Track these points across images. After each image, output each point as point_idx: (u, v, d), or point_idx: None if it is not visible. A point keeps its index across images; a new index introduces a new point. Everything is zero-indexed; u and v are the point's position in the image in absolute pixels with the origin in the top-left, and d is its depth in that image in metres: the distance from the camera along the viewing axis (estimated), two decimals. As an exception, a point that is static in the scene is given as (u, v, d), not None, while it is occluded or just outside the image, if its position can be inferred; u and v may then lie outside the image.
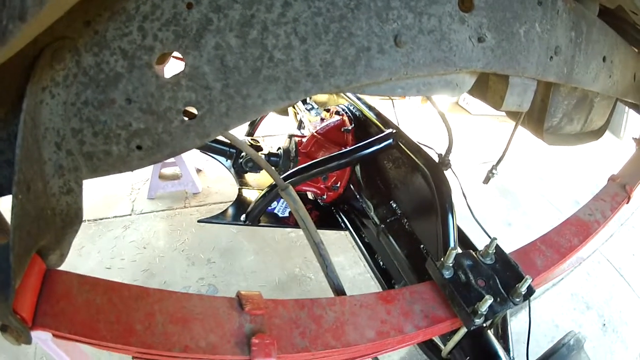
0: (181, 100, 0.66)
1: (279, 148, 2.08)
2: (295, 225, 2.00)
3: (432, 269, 1.02)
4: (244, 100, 0.69)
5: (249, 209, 1.83)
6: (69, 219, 0.65)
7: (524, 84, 1.02)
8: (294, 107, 3.01)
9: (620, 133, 5.46)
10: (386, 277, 1.67)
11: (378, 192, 1.78)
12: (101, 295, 0.66)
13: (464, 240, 1.51)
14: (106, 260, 2.49)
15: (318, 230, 1.16)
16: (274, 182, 1.65)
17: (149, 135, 0.66)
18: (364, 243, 1.90)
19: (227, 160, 2.18)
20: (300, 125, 2.84)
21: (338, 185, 1.97)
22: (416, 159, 1.52)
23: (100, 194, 3.07)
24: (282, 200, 2.09)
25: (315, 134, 1.99)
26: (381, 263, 1.80)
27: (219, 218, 1.94)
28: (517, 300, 1.02)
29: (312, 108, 2.76)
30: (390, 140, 1.61)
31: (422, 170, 1.48)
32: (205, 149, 2.06)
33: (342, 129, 1.96)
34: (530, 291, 1.02)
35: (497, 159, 1.63)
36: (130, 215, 2.95)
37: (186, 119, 0.68)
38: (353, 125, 1.96)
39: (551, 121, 1.58)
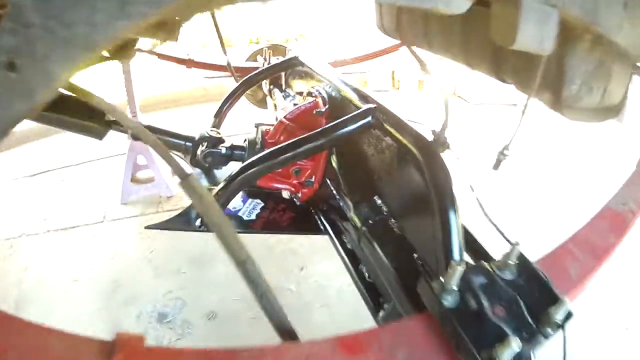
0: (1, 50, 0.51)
1: (245, 140, 1.75)
2: (265, 229, 1.67)
3: (426, 294, 0.68)
4: (68, 31, 0.51)
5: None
6: None
7: (542, 10, 0.72)
8: (272, 98, 2.69)
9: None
10: (373, 294, 1.33)
11: (358, 186, 1.45)
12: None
13: (473, 247, 1.15)
14: (75, 271, 2.37)
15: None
16: (234, 175, 1.31)
17: None
18: (346, 250, 1.56)
19: (185, 157, 1.84)
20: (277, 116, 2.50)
21: (312, 179, 1.63)
22: (402, 139, 1.18)
23: (73, 200, 2.98)
24: (249, 200, 1.76)
25: (283, 119, 1.65)
26: (366, 275, 1.46)
27: (170, 223, 1.60)
28: (551, 331, 0.69)
29: (288, 95, 2.43)
30: (369, 118, 1.27)
31: (410, 152, 1.14)
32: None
33: (314, 111, 1.62)
34: (568, 316, 0.69)
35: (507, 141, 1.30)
36: (102, 222, 2.81)
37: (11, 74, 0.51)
38: (327, 106, 1.62)
39: (570, 89, 1.26)
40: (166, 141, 1.77)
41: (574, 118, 1.29)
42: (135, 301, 2.22)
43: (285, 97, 2.42)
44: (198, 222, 1.55)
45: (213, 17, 2.20)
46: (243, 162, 1.76)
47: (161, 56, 2.88)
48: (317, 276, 2.30)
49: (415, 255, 1.17)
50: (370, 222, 1.30)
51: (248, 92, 3.14)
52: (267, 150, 1.27)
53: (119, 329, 2.10)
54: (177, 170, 0.70)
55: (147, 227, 1.58)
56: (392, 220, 1.30)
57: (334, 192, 1.58)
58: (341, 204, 1.54)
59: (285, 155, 1.23)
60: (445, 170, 1.05)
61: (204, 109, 4.18)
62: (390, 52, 2.87)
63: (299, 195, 1.71)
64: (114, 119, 1.56)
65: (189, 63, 2.86)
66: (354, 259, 1.54)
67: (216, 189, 1.33)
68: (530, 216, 2.92)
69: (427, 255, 1.11)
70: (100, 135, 1.60)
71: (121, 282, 2.32)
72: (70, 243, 2.58)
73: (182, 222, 1.58)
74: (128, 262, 2.46)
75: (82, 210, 2.87)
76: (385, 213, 1.32)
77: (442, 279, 0.67)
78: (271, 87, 2.65)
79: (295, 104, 1.89)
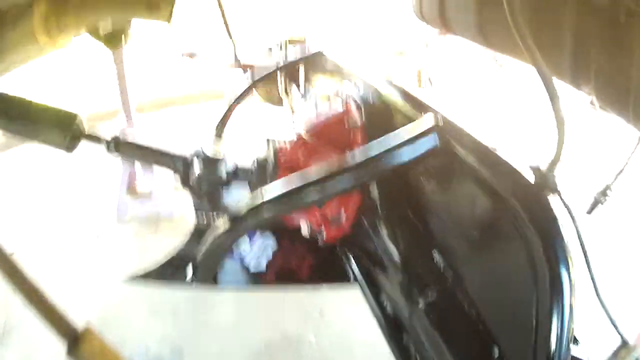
0: None
1: (254, 162, 1.35)
2: (280, 283, 1.26)
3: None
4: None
5: (198, 262, 1.08)
6: None
7: None
8: (288, 98, 2.28)
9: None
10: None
11: (408, 232, 1.02)
12: None
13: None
14: (62, 300, 1.95)
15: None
16: (243, 215, 0.91)
17: None
18: (385, 314, 1.13)
19: (176, 177, 1.45)
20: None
21: (341, 216, 1.20)
22: (488, 174, 0.76)
23: (69, 212, 2.69)
24: (255, 244, 1.34)
25: (302, 135, 1.23)
26: (413, 352, 1.04)
27: (153, 275, 1.21)
28: None
29: (309, 96, 2.01)
30: (435, 142, 0.84)
31: (502, 198, 0.72)
32: (139, 159, 1.36)
33: (347, 124, 1.19)
34: None
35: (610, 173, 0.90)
36: (95, 241, 2.49)
37: None
38: (363, 117, 1.19)
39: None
40: (151, 156, 1.39)
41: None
42: (125, 345, 1.85)
43: (304, 98, 2.01)
44: (189, 273, 1.16)
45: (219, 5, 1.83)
46: (250, 185, 1.38)
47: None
48: (339, 323, 1.87)
49: (495, 349, 0.79)
50: (429, 295, 0.87)
51: (262, 89, 2.75)
52: (286, 185, 0.86)
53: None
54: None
55: (124, 282, 1.21)
56: (462, 292, 0.88)
57: (372, 236, 1.14)
58: (381, 253, 1.11)
59: (312, 194, 0.81)
60: (559, 233, 0.66)
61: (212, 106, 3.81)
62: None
63: (322, 233, 1.28)
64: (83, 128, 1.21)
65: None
66: (395, 326, 1.11)
67: (219, 227, 0.93)
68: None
69: (513, 351, 0.76)
70: (68, 148, 1.23)
71: (111, 319, 1.98)
72: (61, 265, 2.32)
73: (169, 272, 1.19)
74: (121, 293, 2.09)
75: (77, 227, 2.59)
76: (448, 279, 0.89)
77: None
78: (287, 86, 2.24)
79: (316, 108, 1.47)
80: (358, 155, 0.87)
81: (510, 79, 4.14)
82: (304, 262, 1.27)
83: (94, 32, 1.77)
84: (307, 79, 2.03)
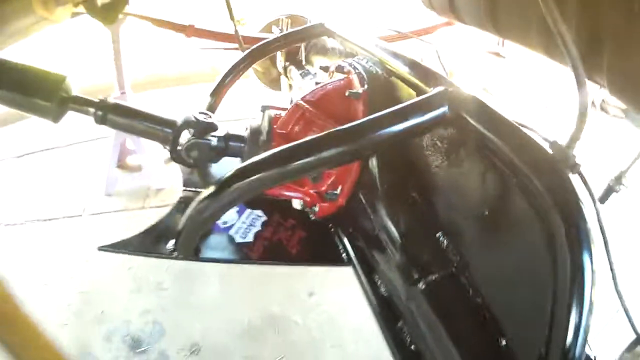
0: None
1: (246, 128, 1.26)
2: (265, 258, 1.19)
3: None
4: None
5: (178, 230, 1.00)
6: None
7: None
8: (288, 77, 2.19)
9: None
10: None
11: (412, 212, 0.95)
12: None
13: None
14: (46, 273, 2.05)
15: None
16: (226, 179, 0.83)
17: None
18: (379, 296, 1.08)
19: (164, 147, 1.36)
20: (293, 99, 2.01)
21: (337, 191, 1.13)
22: (504, 148, 0.69)
23: (57, 186, 2.63)
24: (247, 211, 1.28)
25: (300, 102, 1.15)
26: (407, 339, 0.98)
27: (132, 244, 1.14)
28: None
29: (308, 74, 1.93)
30: (444, 108, 0.77)
31: (520, 174, 0.66)
32: (128, 129, 1.26)
33: (347, 93, 1.12)
34: None
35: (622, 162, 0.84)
36: (80, 215, 2.44)
37: None
38: (366, 86, 1.12)
39: None
40: (141, 126, 1.29)
41: None
42: (106, 320, 1.82)
43: (304, 76, 1.93)
44: (170, 245, 1.09)
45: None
46: (242, 159, 1.29)
47: (156, 22, 2.40)
48: (328, 305, 1.82)
49: (501, 340, 0.73)
50: (432, 278, 0.81)
51: (259, 69, 2.65)
52: (276, 149, 0.78)
53: (86, 352, 1.70)
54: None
55: (100, 249, 1.13)
56: (465, 275, 0.82)
57: (370, 213, 1.08)
58: (379, 232, 1.05)
59: (306, 160, 0.73)
60: (583, 217, 0.60)
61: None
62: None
63: (315, 209, 1.22)
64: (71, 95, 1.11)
65: (189, 31, 2.37)
66: (389, 310, 1.06)
67: (203, 193, 0.85)
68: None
69: (522, 343, 0.70)
70: (54, 116, 1.13)
71: (93, 293, 1.94)
72: (46, 238, 2.27)
73: (148, 242, 1.12)
74: (104, 268, 2.06)
75: (63, 200, 2.52)
76: (454, 261, 0.83)
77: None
78: (287, 63, 2.15)
79: (317, 83, 1.39)
80: (360, 123, 0.79)
81: (512, 70, 4.09)
82: (294, 236, 1.21)
83: (90, 7, 1.68)
84: (307, 52, 1.95)
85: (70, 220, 2.39)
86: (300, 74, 1.97)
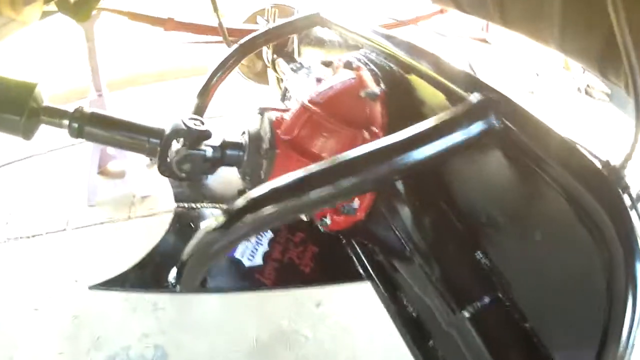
0: None
1: (243, 132, 1.12)
2: (279, 283, 1.07)
3: None
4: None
5: (181, 262, 0.87)
6: None
7: None
8: (276, 71, 2.04)
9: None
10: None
11: (445, 227, 0.85)
12: None
13: None
14: (35, 297, 1.89)
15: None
16: (237, 210, 0.70)
17: None
18: (406, 315, 0.98)
19: (152, 161, 1.21)
20: (285, 95, 1.87)
21: (356, 205, 1.01)
22: (554, 165, 0.62)
23: (37, 198, 2.46)
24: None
25: (307, 104, 1.02)
26: (440, 356, 0.90)
27: (127, 281, 1.01)
28: None
29: (301, 68, 1.79)
30: (492, 120, 0.66)
31: (575, 194, 0.61)
32: (108, 141, 1.11)
33: (362, 93, 0.99)
34: None
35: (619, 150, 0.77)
36: (64, 230, 2.27)
37: None
38: (383, 85, 1.00)
39: None
40: (123, 137, 1.13)
41: None
42: (103, 346, 1.69)
43: (296, 70, 1.78)
44: (171, 277, 0.95)
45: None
46: (240, 168, 1.16)
47: (133, 16, 2.21)
48: (337, 315, 1.72)
49: None
50: (479, 305, 0.71)
51: (243, 62, 2.49)
52: (296, 174, 0.65)
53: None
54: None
55: (92, 288, 0.99)
56: (511, 300, 0.73)
57: (393, 227, 0.97)
58: (404, 247, 0.94)
59: (336, 186, 0.61)
60: (635, 236, 0.56)
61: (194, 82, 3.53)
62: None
63: (327, 221, 1.10)
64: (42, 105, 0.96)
65: (169, 24, 2.19)
66: (417, 329, 0.96)
67: (211, 224, 0.72)
68: None
69: None
70: (24, 132, 0.97)
71: (86, 316, 1.80)
72: (31, 256, 2.12)
73: (145, 276, 0.99)
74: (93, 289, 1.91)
75: (45, 213, 2.35)
76: (498, 287, 0.74)
77: None
78: (275, 56, 2.00)
79: (318, 79, 1.25)
80: (401, 140, 0.65)
81: (497, 56, 4.05)
82: (306, 252, 1.09)
83: (62, 3, 1.52)
84: (299, 44, 1.81)
85: (54, 236, 2.23)
86: (292, 68, 1.83)
